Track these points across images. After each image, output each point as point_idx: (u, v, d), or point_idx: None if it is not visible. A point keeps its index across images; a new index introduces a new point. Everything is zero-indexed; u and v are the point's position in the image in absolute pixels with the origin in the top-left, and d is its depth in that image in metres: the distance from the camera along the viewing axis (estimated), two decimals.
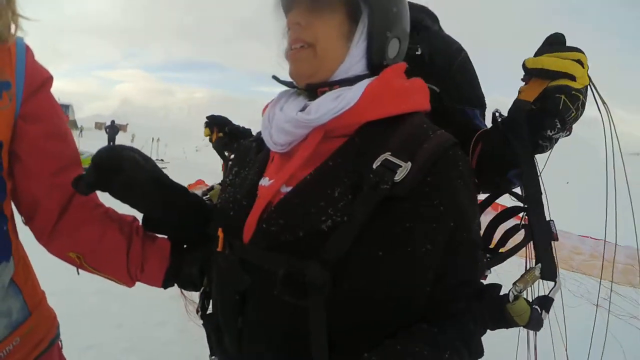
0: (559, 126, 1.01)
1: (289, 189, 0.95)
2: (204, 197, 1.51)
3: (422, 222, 0.87)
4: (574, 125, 1.06)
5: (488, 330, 1.00)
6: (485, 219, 1.21)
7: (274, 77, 1.10)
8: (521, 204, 1.15)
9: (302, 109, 0.98)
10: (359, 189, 0.87)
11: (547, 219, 1.05)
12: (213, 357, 1.16)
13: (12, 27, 0.99)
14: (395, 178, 0.85)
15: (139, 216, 1.21)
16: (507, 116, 1.10)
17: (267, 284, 0.89)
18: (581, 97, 0.99)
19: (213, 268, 1.10)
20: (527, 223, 1.09)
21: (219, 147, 2.01)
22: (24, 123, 1.04)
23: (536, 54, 1.02)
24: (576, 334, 0.98)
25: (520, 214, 1.16)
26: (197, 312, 1.22)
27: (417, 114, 1.00)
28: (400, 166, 0.86)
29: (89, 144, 19.29)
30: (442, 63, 1.32)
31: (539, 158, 1.10)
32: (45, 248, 1.17)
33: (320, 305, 0.85)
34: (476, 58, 1.43)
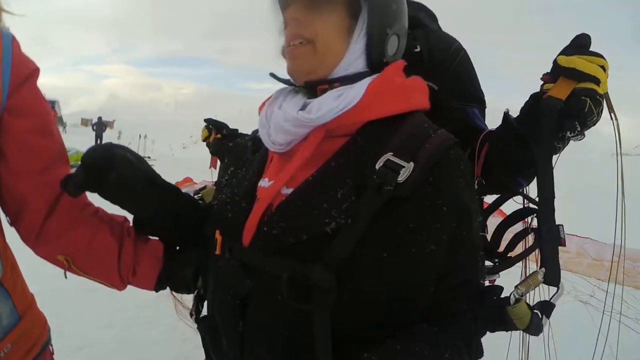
0: (578, 129, 1.01)
1: (290, 190, 0.93)
2: (196, 197, 1.49)
3: (426, 222, 0.86)
4: None
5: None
6: (492, 221, 1.21)
7: (272, 75, 1.08)
8: (531, 206, 1.15)
9: (302, 108, 0.96)
10: (362, 190, 0.86)
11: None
12: None
13: None
14: (398, 179, 0.84)
15: (130, 217, 1.18)
16: (527, 114, 1.08)
17: (270, 288, 0.88)
18: (602, 102, 0.99)
19: (210, 271, 1.08)
20: (535, 228, 1.08)
21: (218, 148, 1.98)
22: (9, 117, 1.00)
23: (563, 53, 1.01)
24: (563, 330, 0.99)
25: (528, 218, 1.16)
26: (191, 315, 1.20)
27: (417, 113, 0.99)
28: (403, 167, 0.85)
29: (75, 140, 19.07)
30: (441, 61, 1.31)
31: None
32: (33, 250, 1.12)
33: (325, 309, 0.83)
34: None
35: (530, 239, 1.12)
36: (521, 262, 1.18)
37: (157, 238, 1.22)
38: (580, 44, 1.01)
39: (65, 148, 1.15)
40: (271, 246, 0.90)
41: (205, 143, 2.04)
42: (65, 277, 1.17)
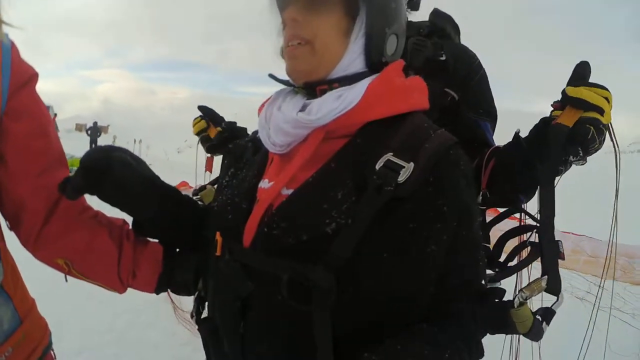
0: (581, 154, 1.06)
1: (290, 191, 0.93)
2: (195, 198, 1.48)
3: (426, 222, 0.86)
4: None
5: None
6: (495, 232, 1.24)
7: (271, 76, 1.07)
8: (533, 222, 1.18)
9: (302, 109, 0.96)
10: (363, 191, 0.86)
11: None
12: None
13: None
14: (398, 179, 0.84)
15: (128, 219, 1.17)
16: (538, 136, 1.13)
17: (271, 289, 0.88)
18: (605, 132, 1.05)
19: (210, 272, 1.08)
20: (533, 241, 1.12)
21: (220, 142, 1.79)
22: (8, 120, 1.00)
23: (570, 84, 1.07)
24: (559, 325, 1.00)
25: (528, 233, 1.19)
26: (192, 316, 1.19)
27: (417, 113, 0.99)
28: (403, 167, 0.85)
29: (70, 145, 18.98)
30: (464, 74, 1.34)
31: None
32: (32, 254, 1.12)
33: (325, 310, 0.83)
34: None
35: (528, 251, 1.15)
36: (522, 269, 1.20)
37: (156, 240, 1.21)
38: (583, 75, 1.08)
39: (64, 151, 1.15)
40: (272, 247, 0.90)
41: (200, 138, 1.87)
42: (66, 280, 1.17)
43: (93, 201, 1.12)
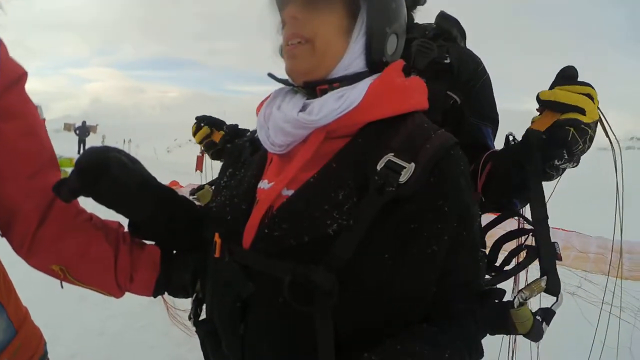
0: (566, 157, 1.05)
1: (290, 192, 0.92)
2: (192, 198, 1.46)
3: (428, 223, 0.86)
4: None
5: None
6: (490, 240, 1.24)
7: (270, 75, 1.06)
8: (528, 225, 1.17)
9: (302, 109, 0.95)
10: (364, 191, 0.86)
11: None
12: None
13: None
14: (399, 180, 0.84)
15: (123, 222, 1.16)
16: (520, 142, 1.13)
17: (271, 291, 0.87)
18: (590, 131, 1.03)
19: (209, 274, 1.07)
20: (529, 245, 1.12)
21: (225, 146, 1.72)
22: None
23: (550, 87, 1.06)
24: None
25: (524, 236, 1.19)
26: (189, 318, 1.18)
27: (418, 113, 0.99)
28: (404, 167, 0.85)
29: (58, 145, 18.81)
30: (468, 78, 1.33)
31: None
32: (26, 261, 1.08)
33: (327, 311, 0.83)
34: None
35: (525, 253, 1.14)
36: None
37: (153, 242, 1.19)
38: (565, 76, 1.06)
39: (54, 151, 1.12)
40: (272, 248, 0.89)
41: (204, 144, 1.77)
42: (62, 287, 1.14)
43: (87, 204, 1.10)
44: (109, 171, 0.97)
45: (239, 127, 1.69)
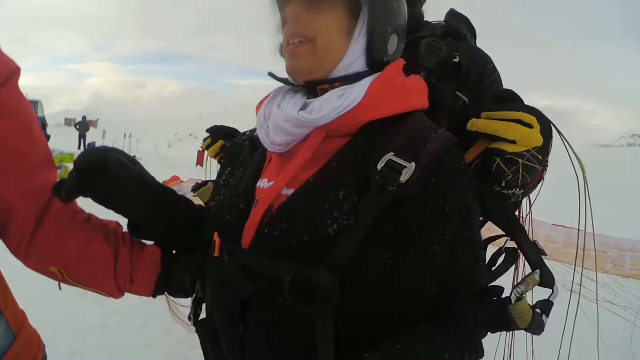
0: (503, 185, 1.03)
1: (291, 191, 0.92)
2: (193, 195, 1.42)
3: (429, 223, 0.86)
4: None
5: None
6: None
7: (270, 74, 1.05)
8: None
9: (303, 108, 0.95)
10: (364, 191, 0.85)
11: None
12: None
13: None
14: (400, 179, 0.83)
15: (122, 222, 1.15)
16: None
17: (271, 291, 0.87)
18: (521, 161, 0.99)
19: (208, 274, 1.06)
20: (509, 247, 1.11)
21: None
22: None
23: (485, 109, 1.04)
24: (551, 316, 1.01)
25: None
26: (189, 319, 1.18)
27: (418, 113, 0.98)
28: (405, 167, 0.84)
29: (59, 140, 18.82)
30: (476, 77, 1.30)
31: None
32: (24, 264, 1.06)
33: (328, 312, 0.83)
34: None
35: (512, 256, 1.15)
36: (513, 267, 1.20)
37: (152, 243, 1.19)
38: (499, 99, 1.05)
39: (50, 150, 1.09)
40: (272, 248, 0.89)
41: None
42: (60, 289, 1.12)
43: (85, 204, 1.09)
44: (108, 172, 0.97)
45: (233, 124, 1.66)
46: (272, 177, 0.98)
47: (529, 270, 1.04)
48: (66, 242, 1.05)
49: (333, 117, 0.91)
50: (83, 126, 26.62)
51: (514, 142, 0.98)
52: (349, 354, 0.83)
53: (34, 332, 1.13)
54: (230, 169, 1.11)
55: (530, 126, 0.98)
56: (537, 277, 0.98)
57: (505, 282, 1.08)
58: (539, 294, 1.02)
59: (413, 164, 0.85)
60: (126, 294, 1.18)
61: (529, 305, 0.94)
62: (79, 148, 22.26)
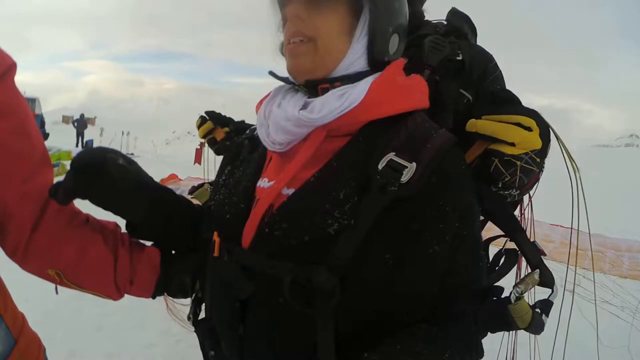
0: (499, 185, 1.04)
1: (291, 191, 0.91)
2: (190, 197, 1.43)
3: (429, 223, 0.86)
4: None
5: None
6: None
7: (271, 73, 1.05)
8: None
9: (303, 107, 0.94)
10: (365, 191, 0.85)
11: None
12: None
13: None
14: (401, 179, 0.83)
15: (121, 222, 1.13)
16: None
17: (271, 291, 0.86)
18: (519, 163, 1.00)
19: (208, 274, 1.05)
20: (508, 249, 1.12)
21: (223, 145, 1.71)
22: None
23: (483, 111, 1.04)
24: (550, 316, 1.02)
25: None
26: (189, 318, 1.17)
27: (418, 112, 0.98)
28: (406, 167, 0.84)
29: (57, 138, 18.77)
30: (479, 75, 1.30)
31: None
32: (21, 267, 1.04)
33: (328, 312, 0.82)
34: None
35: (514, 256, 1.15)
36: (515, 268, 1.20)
37: (151, 244, 1.18)
38: (496, 100, 1.05)
39: (47, 150, 1.07)
40: (272, 248, 0.88)
41: (207, 140, 1.77)
42: (57, 292, 1.11)
43: (83, 205, 1.07)
44: (106, 173, 0.96)
45: (245, 122, 1.68)
46: (272, 177, 0.97)
47: (529, 270, 1.04)
48: (64, 244, 1.03)
49: (334, 117, 0.90)
50: (81, 124, 26.56)
51: (512, 144, 0.98)
52: (349, 354, 0.83)
53: (34, 335, 1.11)
54: (230, 168, 1.10)
55: (529, 129, 0.98)
56: (536, 276, 0.98)
57: (505, 282, 1.08)
58: (539, 294, 1.02)
59: (414, 163, 0.85)
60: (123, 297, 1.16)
61: (529, 304, 0.94)
62: (77, 146, 22.24)
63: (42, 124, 16.00)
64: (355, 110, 0.91)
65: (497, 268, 1.17)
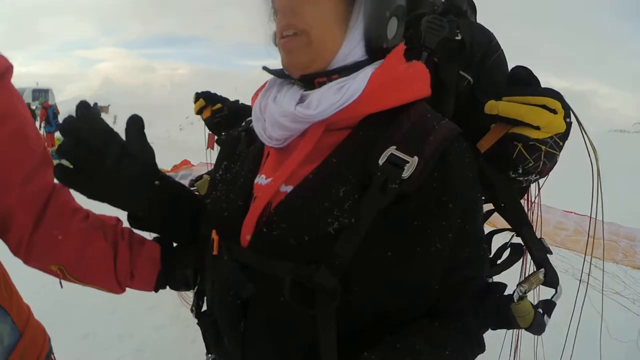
0: (520, 171, 0.99)
1: (289, 188, 0.89)
2: (192, 188, 1.43)
3: (431, 220, 0.83)
4: None
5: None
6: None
7: (264, 68, 1.00)
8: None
9: (300, 101, 0.90)
10: (365, 187, 0.82)
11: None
12: (210, 355, 1.12)
13: None
14: (402, 175, 0.80)
15: (123, 216, 1.12)
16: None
17: (272, 290, 0.85)
18: (543, 147, 0.95)
19: (208, 270, 1.04)
20: (514, 243, 1.09)
21: (212, 121, 1.79)
22: None
23: (502, 94, 0.98)
24: (559, 307, 0.99)
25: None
26: (192, 311, 1.16)
27: (420, 103, 0.93)
28: (407, 162, 0.81)
29: None
30: (480, 55, 1.24)
31: None
32: (25, 263, 1.06)
33: (329, 312, 0.81)
34: None
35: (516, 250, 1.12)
36: (520, 263, 1.18)
37: (153, 238, 1.18)
38: (516, 80, 0.99)
39: (47, 150, 1.06)
40: (272, 248, 0.86)
41: (202, 117, 1.85)
42: (61, 286, 1.12)
43: (83, 202, 1.07)
44: (104, 165, 0.93)
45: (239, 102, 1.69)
46: (269, 173, 0.94)
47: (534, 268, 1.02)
48: (65, 242, 1.04)
49: (332, 112, 0.86)
50: None
51: (537, 128, 0.93)
52: (350, 353, 0.82)
53: (39, 325, 1.14)
54: (227, 163, 1.07)
55: (554, 112, 0.93)
56: (541, 276, 0.96)
57: (509, 279, 1.06)
58: (541, 294, 1.00)
59: (415, 157, 0.82)
60: None
61: (531, 304, 0.93)
62: None
63: (54, 114, 16.06)
64: (355, 104, 0.87)
65: (498, 262, 1.15)
